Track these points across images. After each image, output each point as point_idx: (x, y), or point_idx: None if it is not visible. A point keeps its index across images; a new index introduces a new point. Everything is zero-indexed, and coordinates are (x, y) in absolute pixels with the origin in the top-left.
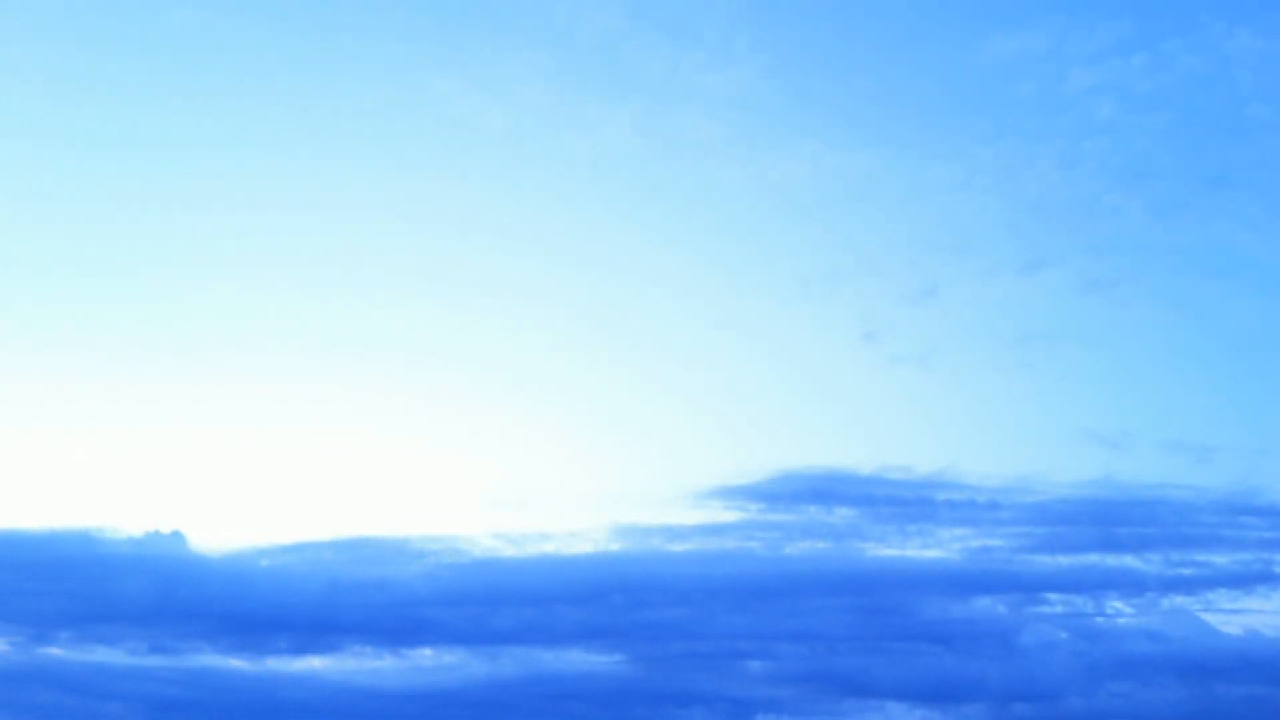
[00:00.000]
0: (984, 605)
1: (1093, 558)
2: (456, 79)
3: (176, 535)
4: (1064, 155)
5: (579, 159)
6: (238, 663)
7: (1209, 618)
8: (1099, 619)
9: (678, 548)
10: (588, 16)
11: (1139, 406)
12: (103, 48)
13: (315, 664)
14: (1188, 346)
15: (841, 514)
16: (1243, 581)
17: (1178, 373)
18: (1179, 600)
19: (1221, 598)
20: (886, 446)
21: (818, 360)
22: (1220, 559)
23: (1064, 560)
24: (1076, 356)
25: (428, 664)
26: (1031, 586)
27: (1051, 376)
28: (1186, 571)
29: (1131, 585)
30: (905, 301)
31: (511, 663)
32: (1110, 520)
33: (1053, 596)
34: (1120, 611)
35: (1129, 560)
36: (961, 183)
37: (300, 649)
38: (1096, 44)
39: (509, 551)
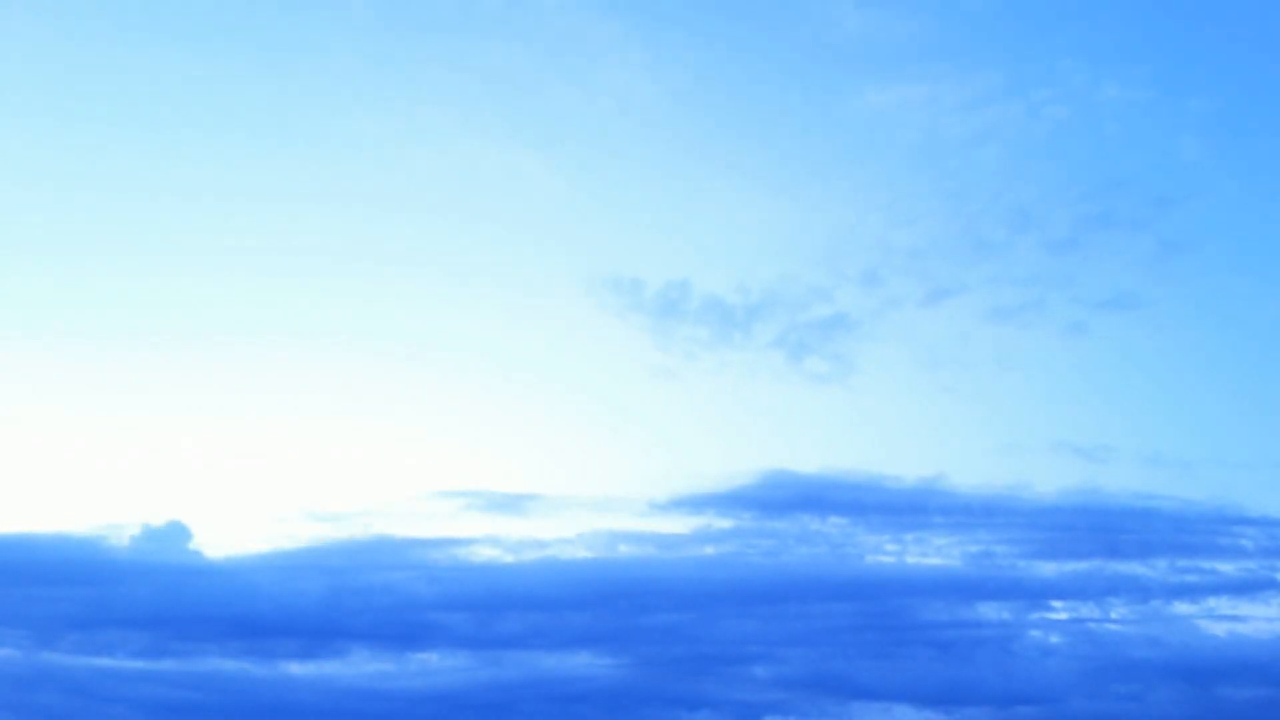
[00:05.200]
0: (986, 610)
1: (1093, 564)
2: (384, 126)
3: (182, 539)
4: (951, 198)
5: (505, 200)
6: (244, 666)
7: (1209, 624)
8: (1092, 624)
9: (673, 554)
10: (500, 63)
11: (1118, 421)
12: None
13: (321, 667)
14: (1101, 370)
15: (835, 521)
16: (1245, 588)
17: (1145, 390)
18: (1181, 607)
19: (1223, 604)
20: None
21: (754, 378)
22: (1224, 566)
23: (1065, 566)
24: (991, 379)
25: (433, 667)
26: (1034, 592)
27: (969, 397)
28: (1190, 578)
29: (1134, 591)
30: (818, 329)
31: (516, 666)
32: (1108, 528)
33: (1055, 602)
34: (1123, 617)
35: (1131, 567)
36: (855, 223)
37: (306, 652)
38: (971, 93)
39: (507, 558)
